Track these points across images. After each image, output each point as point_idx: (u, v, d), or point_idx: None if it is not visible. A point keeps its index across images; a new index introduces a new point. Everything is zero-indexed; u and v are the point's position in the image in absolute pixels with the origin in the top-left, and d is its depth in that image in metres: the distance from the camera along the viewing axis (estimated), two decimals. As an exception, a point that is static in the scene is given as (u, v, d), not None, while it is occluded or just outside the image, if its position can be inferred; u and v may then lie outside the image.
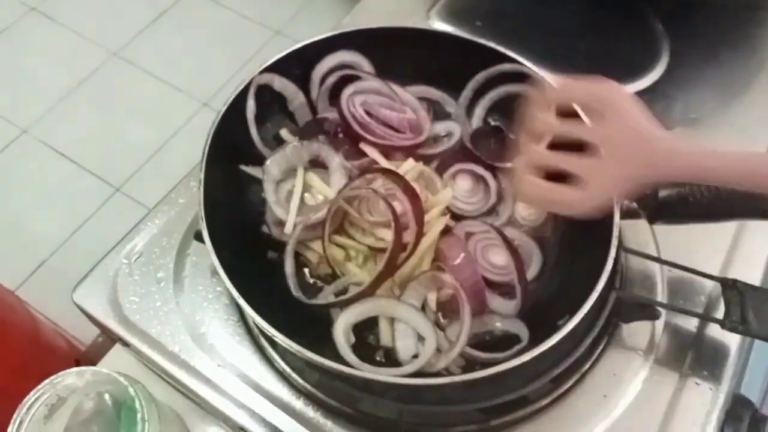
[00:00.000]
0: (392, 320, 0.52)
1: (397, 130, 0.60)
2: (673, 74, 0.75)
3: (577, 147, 0.38)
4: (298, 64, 0.60)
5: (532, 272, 0.56)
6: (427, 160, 0.61)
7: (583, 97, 0.37)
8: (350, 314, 0.51)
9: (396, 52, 0.63)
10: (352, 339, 0.52)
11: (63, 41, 1.92)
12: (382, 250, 0.52)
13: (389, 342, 0.52)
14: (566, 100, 0.37)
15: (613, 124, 0.33)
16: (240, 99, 0.57)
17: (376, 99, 0.61)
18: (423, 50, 0.62)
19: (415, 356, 0.51)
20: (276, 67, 0.59)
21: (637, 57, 0.76)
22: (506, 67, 0.60)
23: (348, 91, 0.60)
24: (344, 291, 0.55)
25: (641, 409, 0.54)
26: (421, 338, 0.52)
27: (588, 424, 0.54)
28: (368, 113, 0.60)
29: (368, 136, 0.59)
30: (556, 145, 0.39)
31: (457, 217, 0.59)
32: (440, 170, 0.60)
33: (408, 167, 0.58)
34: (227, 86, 1.80)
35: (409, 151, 0.60)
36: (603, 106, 0.33)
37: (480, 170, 0.60)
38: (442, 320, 0.54)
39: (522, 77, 0.60)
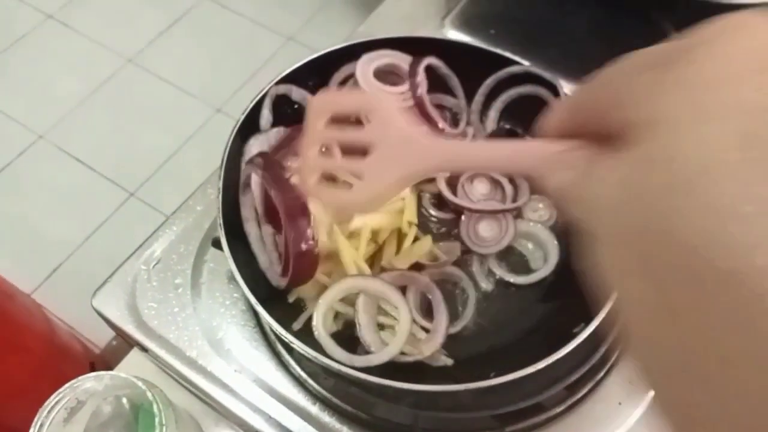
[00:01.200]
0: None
1: None
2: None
3: None
4: (313, 75, 0.61)
5: (550, 265, 0.57)
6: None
7: (351, 107, 0.40)
8: (324, 300, 0.51)
9: (413, 64, 0.63)
10: (333, 328, 0.53)
11: (79, 48, 1.94)
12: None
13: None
14: (338, 111, 0.39)
15: (378, 129, 0.36)
16: (257, 108, 0.58)
17: None
18: (438, 58, 0.63)
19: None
20: (292, 78, 0.60)
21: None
22: (515, 69, 0.61)
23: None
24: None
25: (657, 417, 0.54)
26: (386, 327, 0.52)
27: (604, 431, 0.54)
28: None
29: None
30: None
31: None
32: (457, 173, 0.60)
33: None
34: (240, 92, 1.82)
35: None
36: (369, 114, 0.36)
37: (496, 175, 0.60)
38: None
39: (532, 78, 0.60)
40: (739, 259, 0.16)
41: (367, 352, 0.49)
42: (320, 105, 0.39)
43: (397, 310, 0.51)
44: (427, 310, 0.54)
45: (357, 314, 0.51)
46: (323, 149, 0.39)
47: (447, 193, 0.58)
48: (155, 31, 1.97)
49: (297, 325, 0.52)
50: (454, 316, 0.54)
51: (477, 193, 0.60)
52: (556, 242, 0.58)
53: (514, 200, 0.59)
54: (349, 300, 0.53)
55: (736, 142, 0.17)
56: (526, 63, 0.60)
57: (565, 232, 0.59)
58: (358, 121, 0.37)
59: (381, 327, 0.53)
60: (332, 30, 1.90)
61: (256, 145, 0.57)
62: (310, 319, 0.51)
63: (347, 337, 0.51)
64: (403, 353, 0.50)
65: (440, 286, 0.54)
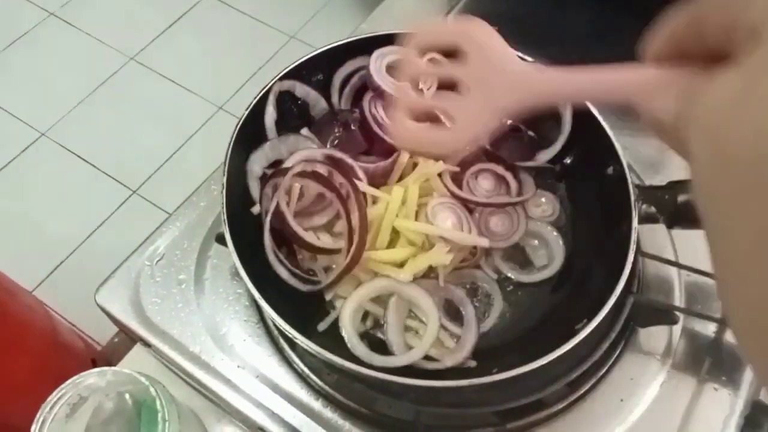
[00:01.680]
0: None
1: None
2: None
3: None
4: (318, 70, 0.61)
5: (556, 264, 0.57)
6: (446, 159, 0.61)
7: (447, 38, 0.37)
8: (353, 299, 0.52)
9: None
10: (360, 328, 0.53)
11: (81, 46, 1.94)
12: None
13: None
14: (433, 43, 0.37)
15: (474, 59, 0.34)
16: (261, 104, 0.58)
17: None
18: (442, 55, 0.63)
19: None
20: (296, 74, 0.60)
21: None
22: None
23: (370, 94, 0.61)
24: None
25: (658, 414, 0.54)
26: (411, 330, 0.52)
27: (605, 429, 0.54)
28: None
29: (386, 137, 0.59)
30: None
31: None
32: (462, 169, 0.60)
33: (440, 168, 0.58)
34: (243, 90, 1.82)
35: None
36: (465, 43, 0.34)
37: (501, 171, 0.60)
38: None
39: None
40: None
41: (389, 353, 0.50)
42: (417, 37, 0.37)
43: (427, 317, 0.51)
44: (455, 314, 0.55)
45: (387, 313, 0.51)
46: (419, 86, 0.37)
47: (453, 188, 0.58)
48: (158, 29, 1.97)
49: (323, 326, 0.53)
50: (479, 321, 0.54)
51: (481, 189, 0.60)
52: (561, 242, 0.58)
53: (518, 195, 0.60)
54: (380, 300, 0.53)
55: None
56: (529, 59, 0.60)
57: (569, 229, 0.59)
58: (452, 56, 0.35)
59: (407, 329, 0.53)
60: (334, 28, 1.90)
61: (257, 162, 0.58)
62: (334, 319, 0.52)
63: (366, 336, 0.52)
64: (427, 357, 0.50)
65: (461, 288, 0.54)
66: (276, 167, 0.57)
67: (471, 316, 0.53)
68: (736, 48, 0.18)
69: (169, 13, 2.00)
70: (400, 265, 0.54)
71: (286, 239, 0.55)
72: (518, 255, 0.59)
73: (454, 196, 0.58)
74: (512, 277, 0.57)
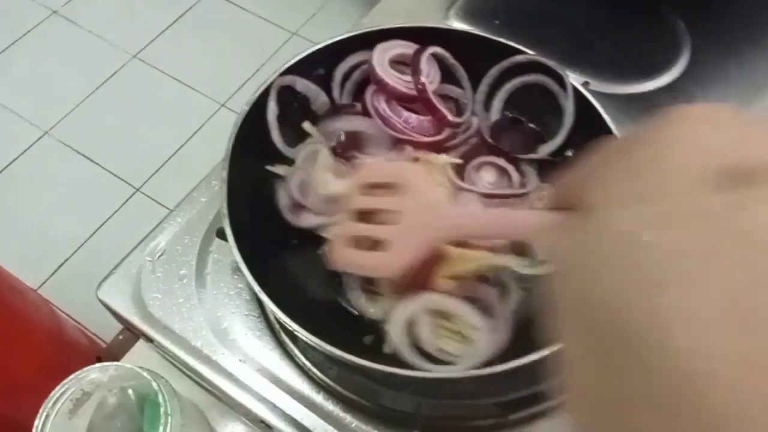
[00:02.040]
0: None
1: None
2: (694, 72, 0.74)
3: None
4: (318, 65, 0.61)
5: None
6: (447, 151, 0.61)
7: (383, 176, 0.46)
8: (401, 314, 0.51)
9: (416, 53, 0.63)
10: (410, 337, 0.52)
11: (84, 44, 1.95)
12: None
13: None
14: (371, 179, 0.46)
15: (408, 197, 0.42)
16: (262, 99, 0.58)
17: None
18: (444, 49, 0.63)
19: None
20: (296, 69, 0.60)
21: (657, 55, 0.76)
22: (519, 58, 0.61)
23: (372, 88, 0.60)
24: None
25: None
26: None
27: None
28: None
29: (389, 131, 0.59)
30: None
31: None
32: (464, 162, 0.60)
33: (443, 160, 0.58)
34: (245, 87, 1.83)
35: (432, 147, 0.60)
36: (400, 183, 0.42)
37: (503, 163, 0.60)
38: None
39: (536, 67, 0.60)
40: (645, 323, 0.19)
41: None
42: (362, 172, 0.46)
43: (478, 332, 0.50)
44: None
45: (421, 324, 0.51)
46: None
47: (456, 180, 0.58)
48: (160, 26, 1.98)
49: (368, 339, 0.53)
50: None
51: (483, 181, 0.59)
52: None
53: (521, 187, 0.59)
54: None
55: (651, 220, 0.20)
56: (529, 51, 0.60)
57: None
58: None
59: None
60: (336, 25, 1.90)
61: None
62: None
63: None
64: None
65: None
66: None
67: (498, 325, 0.51)
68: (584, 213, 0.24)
69: (172, 10, 2.00)
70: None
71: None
72: (520, 248, 0.59)
73: (457, 188, 0.57)
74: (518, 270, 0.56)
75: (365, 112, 0.60)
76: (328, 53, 0.61)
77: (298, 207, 0.58)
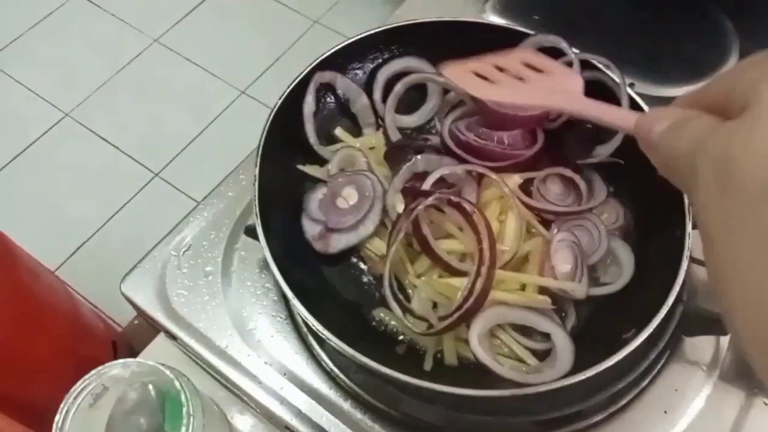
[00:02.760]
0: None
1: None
2: (743, 75, 0.71)
3: None
4: (355, 59, 0.59)
5: (626, 276, 0.53)
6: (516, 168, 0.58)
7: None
8: (477, 324, 0.49)
9: (452, 47, 0.60)
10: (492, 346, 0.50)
11: (106, 27, 1.94)
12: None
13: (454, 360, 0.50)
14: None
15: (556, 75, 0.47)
16: (295, 94, 0.56)
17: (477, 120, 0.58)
18: (481, 46, 0.60)
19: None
20: (333, 62, 0.58)
21: (704, 55, 0.72)
22: (569, 58, 0.58)
23: (449, 119, 0.58)
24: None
25: (704, 427, 0.52)
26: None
27: (646, 441, 0.52)
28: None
29: (464, 154, 0.56)
30: None
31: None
32: (528, 179, 0.57)
33: (516, 182, 0.55)
34: (266, 75, 1.80)
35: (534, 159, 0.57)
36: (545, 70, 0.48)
37: (568, 172, 0.57)
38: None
39: (586, 65, 0.58)
40: None
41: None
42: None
43: (552, 336, 0.49)
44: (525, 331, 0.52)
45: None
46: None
47: (525, 198, 0.55)
48: (182, 11, 1.96)
49: (401, 349, 0.51)
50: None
51: (552, 193, 0.57)
52: (630, 253, 0.54)
53: (589, 195, 0.57)
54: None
55: None
56: (565, 46, 0.57)
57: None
58: None
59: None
60: (358, 13, 1.87)
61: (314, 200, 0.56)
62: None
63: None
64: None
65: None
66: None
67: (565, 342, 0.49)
68: (731, 109, 0.25)
69: (195, -5, 1.98)
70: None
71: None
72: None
73: (529, 208, 0.54)
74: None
75: (443, 144, 0.57)
76: (366, 45, 0.59)
77: (324, 233, 0.55)
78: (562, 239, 0.53)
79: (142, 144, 1.72)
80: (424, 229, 0.50)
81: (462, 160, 0.55)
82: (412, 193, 0.52)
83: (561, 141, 0.58)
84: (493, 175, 0.53)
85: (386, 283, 0.50)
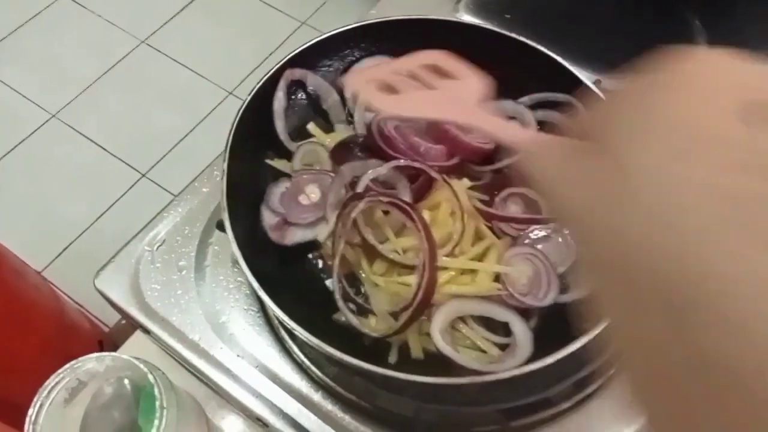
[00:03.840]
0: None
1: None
2: (709, 71, 0.72)
3: None
4: (327, 56, 0.60)
5: None
6: (473, 177, 0.59)
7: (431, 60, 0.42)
8: (437, 318, 0.50)
9: (423, 45, 0.61)
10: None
11: (93, 28, 1.94)
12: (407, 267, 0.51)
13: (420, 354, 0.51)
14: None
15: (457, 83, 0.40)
16: (267, 89, 0.56)
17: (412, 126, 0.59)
18: (453, 45, 0.61)
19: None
20: (305, 58, 0.59)
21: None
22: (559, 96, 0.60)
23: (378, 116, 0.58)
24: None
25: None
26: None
27: (613, 428, 0.52)
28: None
29: (392, 152, 0.57)
30: None
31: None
32: (490, 191, 0.58)
33: (465, 185, 0.56)
34: (253, 75, 1.81)
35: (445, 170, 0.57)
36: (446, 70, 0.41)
37: (531, 194, 0.57)
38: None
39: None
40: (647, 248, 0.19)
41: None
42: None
43: (511, 325, 0.50)
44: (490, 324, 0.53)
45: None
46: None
47: (483, 207, 0.56)
48: (170, 12, 1.96)
49: (368, 341, 0.52)
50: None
51: (511, 212, 0.57)
52: None
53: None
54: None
55: (679, 150, 0.20)
56: (542, 48, 0.58)
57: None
58: None
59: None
60: (345, 15, 1.85)
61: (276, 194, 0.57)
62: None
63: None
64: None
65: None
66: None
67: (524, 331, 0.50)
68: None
69: (182, -4, 1.99)
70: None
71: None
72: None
73: (483, 214, 0.55)
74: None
75: (368, 130, 0.58)
76: (337, 43, 0.59)
77: (282, 224, 0.56)
78: (518, 253, 0.54)
79: (130, 145, 1.72)
80: (365, 233, 0.51)
81: (388, 157, 0.56)
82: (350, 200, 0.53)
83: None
84: (432, 173, 0.53)
85: (337, 295, 0.51)
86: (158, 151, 1.71)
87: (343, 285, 0.51)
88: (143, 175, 1.68)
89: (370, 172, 0.54)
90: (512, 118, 0.61)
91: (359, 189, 0.53)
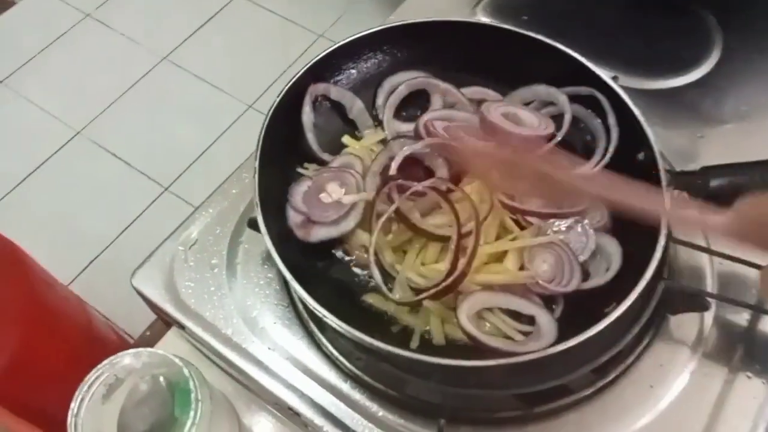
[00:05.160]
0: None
1: None
2: (725, 67, 0.74)
3: None
4: (347, 60, 0.62)
5: (613, 269, 0.54)
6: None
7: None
8: (464, 306, 0.52)
9: (444, 48, 0.64)
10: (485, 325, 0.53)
11: (115, 46, 1.99)
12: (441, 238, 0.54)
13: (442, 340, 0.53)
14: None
15: None
16: (297, 87, 0.59)
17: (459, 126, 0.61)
18: (470, 45, 0.63)
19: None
20: (326, 65, 0.61)
21: (688, 50, 0.75)
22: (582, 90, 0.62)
23: (426, 116, 0.60)
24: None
25: (690, 401, 0.54)
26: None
27: (634, 414, 0.54)
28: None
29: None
30: None
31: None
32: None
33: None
34: (272, 89, 1.85)
35: None
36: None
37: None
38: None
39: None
40: None
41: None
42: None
43: (537, 318, 0.51)
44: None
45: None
46: None
47: (506, 200, 0.57)
48: (189, 29, 2.01)
49: (396, 329, 0.54)
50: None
51: (534, 204, 0.58)
52: (618, 246, 0.55)
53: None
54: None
55: None
56: (561, 46, 0.60)
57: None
58: None
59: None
60: (363, 26, 1.89)
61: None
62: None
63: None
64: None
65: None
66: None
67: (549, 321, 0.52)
68: None
69: (200, 13, 2.04)
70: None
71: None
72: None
73: (508, 208, 0.57)
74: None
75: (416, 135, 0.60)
76: (355, 49, 0.62)
77: (306, 222, 0.58)
78: (541, 242, 0.55)
79: (152, 159, 1.76)
80: (406, 210, 0.53)
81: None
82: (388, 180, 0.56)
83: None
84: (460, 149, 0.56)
85: (375, 270, 0.53)
86: (180, 164, 1.75)
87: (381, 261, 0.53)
88: (166, 189, 1.71)
89: (405, 148, 0.56)
90: (549, 103, 0.63)
91: (396, 163, 0.56)
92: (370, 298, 0.55)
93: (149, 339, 1.42)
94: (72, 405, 0.56)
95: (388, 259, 0.55)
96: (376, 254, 0.54)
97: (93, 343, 1.21)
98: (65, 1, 2.09)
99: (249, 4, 2.05)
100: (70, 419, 0.55)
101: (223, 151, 1.77)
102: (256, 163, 0.54)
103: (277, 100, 0.57)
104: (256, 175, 0.54)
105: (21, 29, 2.05)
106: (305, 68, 0.60)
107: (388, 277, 0.55)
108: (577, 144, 0.62)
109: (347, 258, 0.59)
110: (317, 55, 0.61)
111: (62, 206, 1.70)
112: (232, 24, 2.02)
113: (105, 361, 0.57)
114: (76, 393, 0.56)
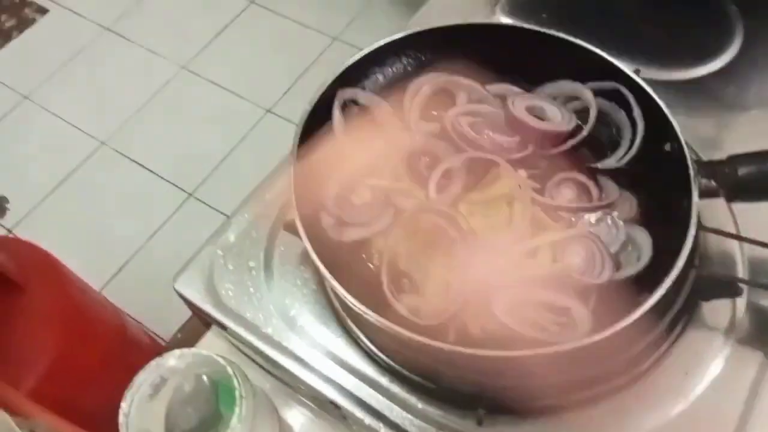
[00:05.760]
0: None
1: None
2: (747, 55, 0.73)
3: None
4: (378, 65, 0.64)
5: (644, 260, 0.55)
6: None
7: None
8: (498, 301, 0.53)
9: (467, 50, 0.65)
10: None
11: (135, 57, 2.04)
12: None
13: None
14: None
15: None
16: (321, 101, 0.60)
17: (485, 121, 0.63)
18: (493, 46, 0.64)
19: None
20: (352, 70, 0.63)
21: (709, 39, 0.75)
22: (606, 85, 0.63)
23: (452, 112, 0.62)
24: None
25: (725, 387, 0.55)
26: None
27: (670, 401, 0.54)
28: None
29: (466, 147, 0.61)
30: None
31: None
32: (543, 180, 0.61)
33: (523, 175, 0.60)
34: (290, 93, 1.87)
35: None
36: None
37: (582, 178, 0.60)
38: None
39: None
40: None
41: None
42: None
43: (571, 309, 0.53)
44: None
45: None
46: None
47: (536, 196, 0.59)
48: (206, 38, 2.05)
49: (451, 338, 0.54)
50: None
51: (564, 198, 0.59)
52: (648, 237, 0.56)
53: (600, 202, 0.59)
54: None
55: None
56: (582, 43, 0.61)
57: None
58: None
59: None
60: (377, 29, 1.93)
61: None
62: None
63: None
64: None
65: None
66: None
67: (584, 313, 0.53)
68: None
69: (217, 22, 2.07)
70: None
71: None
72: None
73: (539, 204, 0.58)
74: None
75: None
76: (384, 53, 0.64)
77: (338, 224, 0.59)
78: (573, 235, 0.56)
79: (176, 166, 1.80)
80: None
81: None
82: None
83: (575, 147, 0.62)
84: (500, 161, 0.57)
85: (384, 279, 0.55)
86: (203, 170, 1.78)
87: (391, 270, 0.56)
88: (190, 195, 1.75)
89: (442, 164, 0.59)
90: (574, 98, 0.64)
91: (432, 182, 0.59)
92: (405, 298, 0.57)
93: (180, 340, 1.45)
94: (123, 405, 0.58)
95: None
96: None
97: (127, 345, 1.24)
98: (84, 16, 2.13)
99: (263, 11, 2.08)
100: (121, 419, 0.57)
101: (245, 156, 1.80)
102: (292, 169, 0.56)
103: (309, 108, 0.59)
104: (292, 180, 0.56)
105: (42, 45, 2.10)
106: (335, 77, 0.61)
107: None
108: (603, 137, 0.63)
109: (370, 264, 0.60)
110: (345, 64, 0.62)
111: (90, 215, 1.74)
112: (247, 31, 2.05)
113: (152, 363, 0.60)
114: (126, 393, 0.58)
